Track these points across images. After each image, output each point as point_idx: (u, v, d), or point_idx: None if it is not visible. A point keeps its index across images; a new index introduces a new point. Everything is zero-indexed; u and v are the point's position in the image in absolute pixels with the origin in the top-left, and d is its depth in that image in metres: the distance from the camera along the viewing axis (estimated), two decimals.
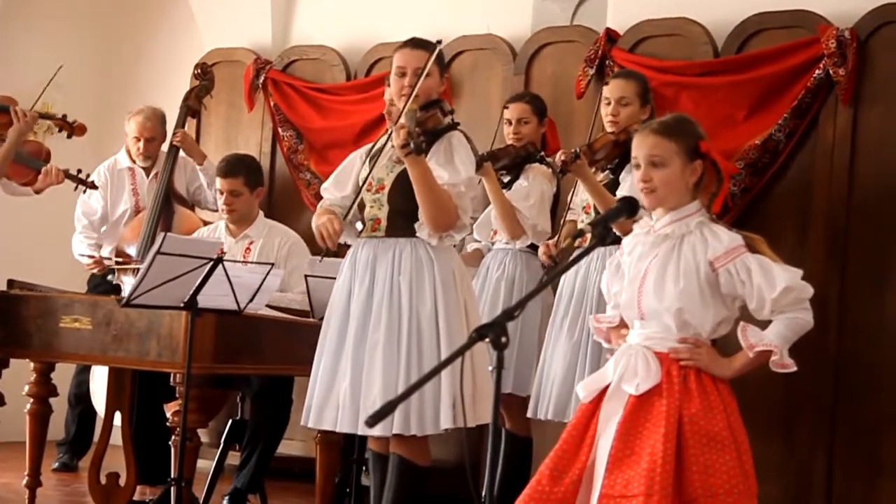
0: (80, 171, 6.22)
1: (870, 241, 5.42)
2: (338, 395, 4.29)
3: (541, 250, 5.30)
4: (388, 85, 4.56)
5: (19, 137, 5.86)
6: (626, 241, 3.69)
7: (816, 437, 5.46)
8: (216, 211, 6.38)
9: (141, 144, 6.65)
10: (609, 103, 5.14)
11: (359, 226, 4.47)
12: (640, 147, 3.57)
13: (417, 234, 4.29)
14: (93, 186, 6.30)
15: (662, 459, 3.32)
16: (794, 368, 3.45)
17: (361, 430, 4.28)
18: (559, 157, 5.05)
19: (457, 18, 6.60)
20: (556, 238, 5.33)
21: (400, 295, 4.27)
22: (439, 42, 4.40)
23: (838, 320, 5.42)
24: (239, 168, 5.96)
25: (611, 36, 6.02)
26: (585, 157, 5.00)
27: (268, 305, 5.23)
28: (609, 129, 5.15)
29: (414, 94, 4.26)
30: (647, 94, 5.19)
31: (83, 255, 6.58)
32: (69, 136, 6.23)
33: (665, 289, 3.49)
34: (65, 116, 6.22)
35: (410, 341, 4.23)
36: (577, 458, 3.46)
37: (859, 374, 5.41)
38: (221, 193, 5.96)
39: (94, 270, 6.51)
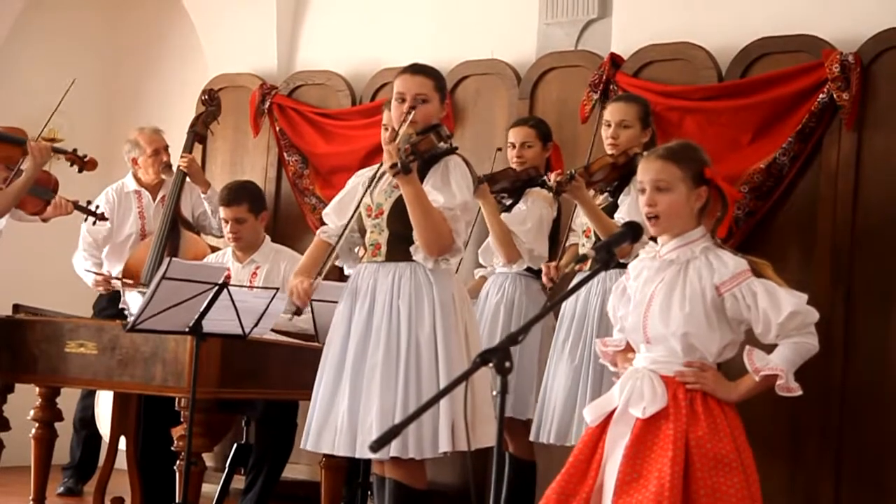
0: (89, 202, 6.23)
1: (874, 264, 5.42)
2: (336, 418, 4.30)
3: (543, 272, 5.30)
4: (389, 110, 4.57)
5: (35, 172, 5.85)
6: (631, 265, 3.71)
7: (823, 460, 5.44)
8: (221, 237, 6.39)
9: (163, 155, 6.69)
10: (609, 126, 5.18)
11: (356, 251, 4.50)
12: (646, 172, 3.59)
13: (414, 258, 4.30)
14: (102, 218, 6.29)
15: (670, 483, 3.32)
16: (800, 392, 3.46)
17: (359, 453, 4.28)
18: (554, 177, 5.07)
19: (461, 43, 6.62)
20: (557, 260, 5.33)
21: (399, 318, 4.28)
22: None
23: (844, 344, 5.41)
24: (242, 195, 5.98)
25: (615, 60, 6.04)
26: (582, 178, 5.02)
27: (276, 330, 5.24)
28: (609, 151, 5.17)
29: (411, 118, 4.29)
30: (648, 118, 5.22)
31: (88, 271, 6.54)
32: (80, 171, 6.23)
33: (671, 313, 3.50)
34: (75, 150, 6.19)
35: (409, 364, 4.23)
36: (585, 481, 3.47)
37: (865, 397, 5.39)
38: (226, 222, 5.97)
39: (100, 289, 6.48)
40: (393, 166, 4.18)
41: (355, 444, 4.24)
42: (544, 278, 5.27)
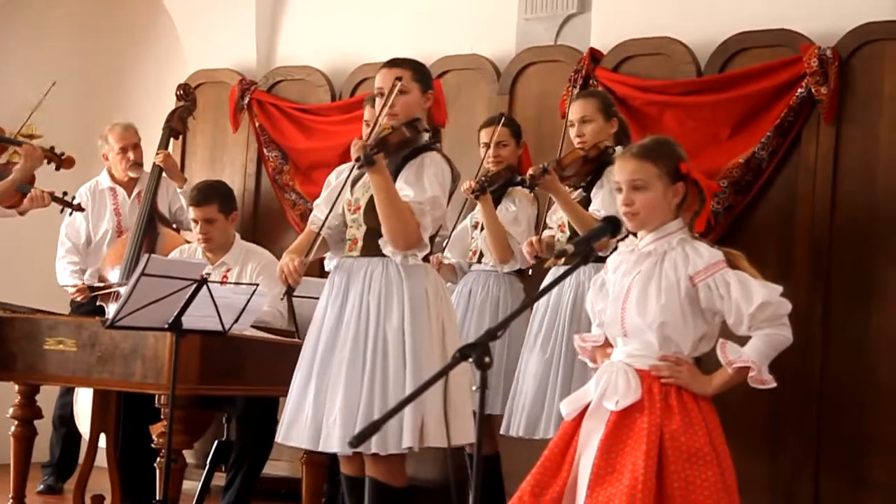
0: (65, 193, 6.20)
1: (853, 258, 5.44)
2: (305, 412, 4.29)
3: (526, 249, 5.29)
4: (371, 106, 4.56)
5: (25, 175, 5.78)
6: (610, 259, 3.72)
7: (801, 454, 5.46)
8: None
9: (130, 154, 6.66)
10: (573, 125, 5.19)
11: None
12: (622, 171, 3.60)
13: (383, 251, 4.29)
14: (79, 209, 6.28)
15: (644, 476, 3.33)
16: (774, 384, 3.47)
17: (322, 446, 4.26)
18: (529, 172, 5.09)
19: (441, 39, 6.62)
20: (539, 235, 5.33)
21: (368, 313, 4.27)
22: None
23: (822, 337, 5.43)
24: (211, 195, 5.89)
25: (594, 55, 6.05)
26: (556, 172, 5.03)
27: (255, 326, 5.22)
28: (579, 150, 5.18)
29: (386, 110, 4.28)
30: (610, 108, 5.23)
31: (67, 286, 6.54)
32: (57, 169, 6.17)
33: (647, 304, 3.51)
34: (52, 148, 6.13)
35: (375, 359, 4.21)
36: (559, 475, 3.47)
37: (844, 391, 5.42)
38: (196, 223, 5.89)
39: (79, 298, 6.47)
40: (357, 159, 4.17)
41: (318, 438, 4.23)
42: (527, 254, 5.25)
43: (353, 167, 4.33)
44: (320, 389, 4.27)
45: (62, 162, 6.14)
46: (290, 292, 4.38)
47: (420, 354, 4.20)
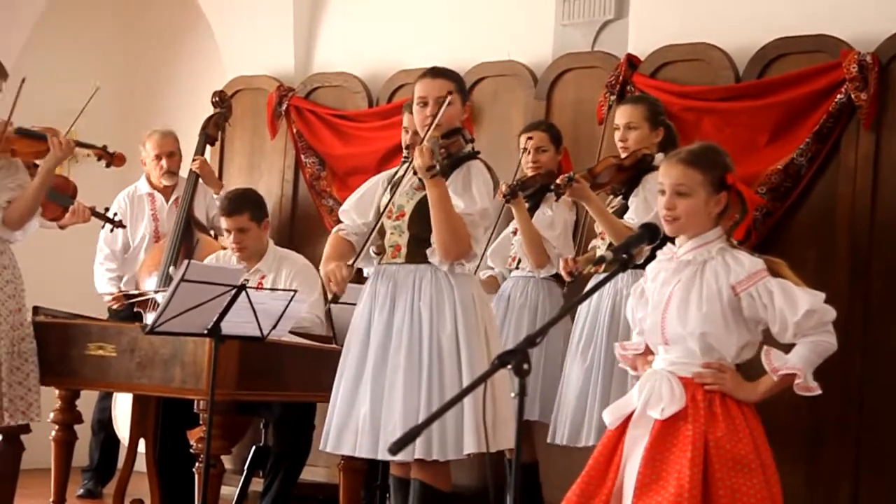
0: (107, 209, 6.22)
1: (893, 263, 5.40)
2: (357, 419, 4.30)
3: (561, 266, 5.31)
4: (409, 113, 4.57)
5: (55, 165, 5.58)
6: (650, 267, 3.71)
7: (842, 460, 5.43)
8: None
9: (164, 162, 6.69)
10: (618, 129, 5.19)
11: (372, 251, 4.49)
12: (667, 175, 3.58)
13: (430, 260, 4.30)
14: (120, 225, 6.28)
15: (690, 484, 3.32)
16: (819, 392, 3.46)
17: (381, 454, 4.28)
18: (556, 181, 5.09)
19: (478, 45, 6.62)
20: (578, 246, 5.35)
21: (420, 320, 4.28)
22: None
23: (862, 343, 5.40)
24: (243, 204, 5.89)
25: (632, 61, 6.04)
26: (585, 180, 5.03)
27: (293, 332, 5.24)
28: (622, 154, 5.18)
29: (436, 122, 4.29)
30: (658, 117, 5.22)
31: (105, 294, 6.57)
32: (108, 166, 6.14)
33: (689, 313, 3.50)
34: (105, 147, 6.07)
35: (431, 366, 4.23)
36: (604, 483, 3.47)
37: (884, 396, 5.38)
38: (229, 232, 5.90)
39: (115, 306, 6.49)
40: (430, 168, 4.17)
41: (377, 446, 4.24)
42: (563, 272, 5.27)
43: (398, 173, 4.35)
44: (376, 398, 4.27)
45: (113, 159, 6.07)
46: (336, 300, 4.38)
47: (474, 360, 4.23)
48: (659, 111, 5.27)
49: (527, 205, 5.61)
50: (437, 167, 4.17)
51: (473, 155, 4.44)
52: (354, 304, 4.59)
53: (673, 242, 3.64)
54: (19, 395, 5.19)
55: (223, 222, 5.93)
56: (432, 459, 4.18)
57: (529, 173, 5.66)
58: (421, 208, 4.31)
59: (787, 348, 3.48)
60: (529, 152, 5.64)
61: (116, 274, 6.67)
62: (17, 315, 5.29)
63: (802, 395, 3.45)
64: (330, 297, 4.39)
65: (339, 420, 4.35)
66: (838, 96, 5.46)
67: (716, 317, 3.48)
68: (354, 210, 4.55)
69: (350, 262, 4.35)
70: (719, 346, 3.49)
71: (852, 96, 5.42)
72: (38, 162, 5.59)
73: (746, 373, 3.55)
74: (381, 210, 4.40)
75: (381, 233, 4.46)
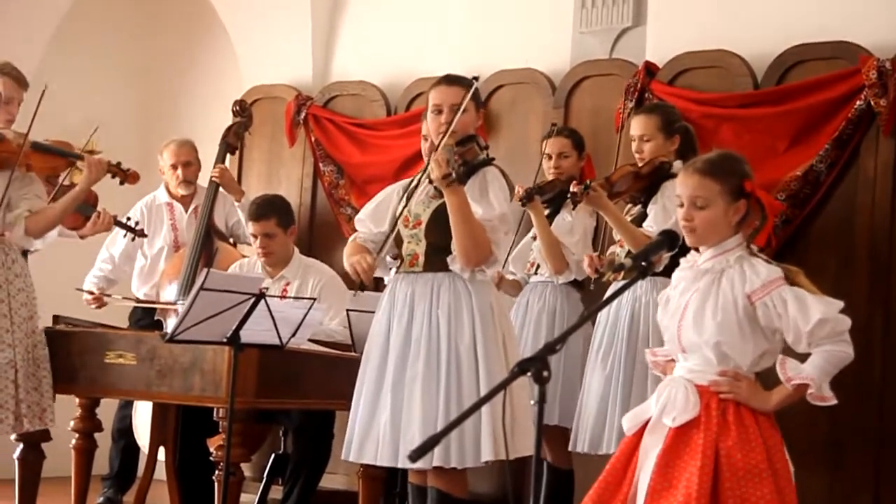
0: (128, 218, 6.24)
1: None
2: (378, 428, 4.31)
3: (586, 263, 5.29)
4: (425, 119, 4.59)
5: (89, 186, 5.59)
6: (674, 275, 3.70)
7: (862, 468, 5.40)
8: None
9: (180, 171, 6.70)
10: (634, 140, 5.20)
11: (389, 261, 4.50)
12: (684, 186, 3.57)
13: (450, 268, 4.31)
14: (142, 234, 6.30)
15: (697, 492, 3.32)
16: (834, 401, 3.44)
17: (402, 463, 4.29)
18: (571, 189, 5.09)
19: (496, 53, 6.63)
20: (598, 252, 5.35)
21: (438, 328, 4.29)
22: (475, 78, 4.45)
23: (882, 351, 5.38)
24: (270, 210, 5.94)
25: (650, 69, 6.03)
26: (603, 188, 5.03)
27: (311, 339, 5.25)
28: (639, 164, 5.18)
29: (451, 129, 4.30)
30: (672, 125, 5.20)
31: (84, 291, 6.51)
32: (122, 183, 6.15)
33: (704, 323, 3.49)
34: (119, 164, 6.05)
35: (450, 374, 4.24)
36: (620, 490, 3.47)
37: None
38: (255, 237, 5.95)
39: (93, 307, 6.48)
40: (446, 176, 4.18)
41: (398, 455, 4.25)
42: (588, 269, 5.25)
43: (415, 182, 4.36)
44: (396, 406, 4.28)
45: (127, 177, 6.10)
46: (363, 289, 4.42)
47: (492, 368, 4.24)
48: (673, 119, 5.25)
49: (547, 210, 5.61)
50: (454, 175, 4.17)
51: (489, 161, 4.45)
52: (373, 312, 4.60)
53: (697, 250, 3.63)
54: (35, 401, 5.21)
55: (250, 227, 5.97)
56: (450, 467, 4.18)
57: (552, 178, 5.66)
58: (437, 217, 4.32)
59: (806, 357, 3.46)
60: (551, 157, 5.64)
61: (105, 276, 6.64)
62: (30, 322, 5.32)
63: (817, 404, 3.43)
64: (357, 286, 4.41)
65: (360, 429, 4.36)
66: (857, 103, 5.44)
67: (731, 326, 3.46)
68: (370, 219, 4.57)
69: (377, 254, 4.39)
70: (734, 354, 3.48)
71: (871, 103, 5.40)
72: (51, 178, 5.62)
73: (765, 382, 3.54)
74: (397, 218, 4.41)
75: (399, 242, 4.48)
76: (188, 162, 6.73)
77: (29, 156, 5.47)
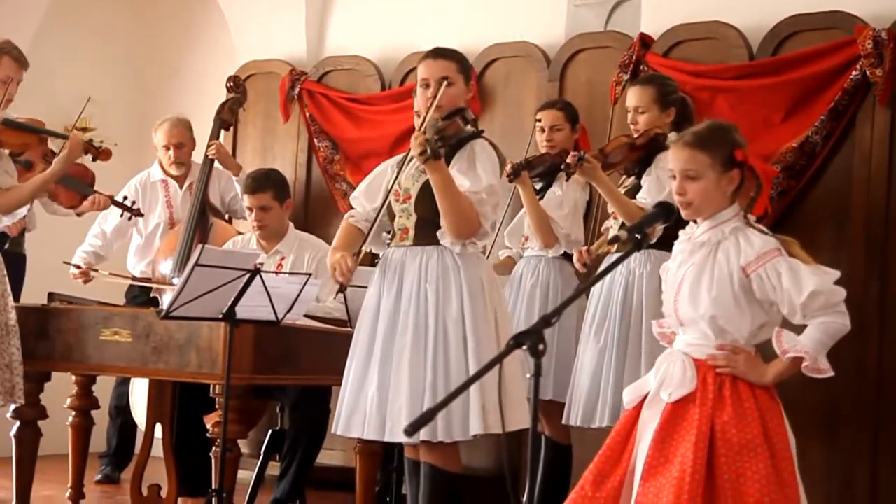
0: (125, 197, 6.23)
1: None
2: (365, 401, 4.30)
3: (575, 257, 5.30)
4: (416, 94, 4.57)
5: (65, 166, 5.42)
6: (674, 247, 3.68)
7: (859, 440, 5.41)
8: None
9: (171, 152, 6.68)
10: (629, 111, 5.17)
11: (383, 235, 4.49)
12: (675, 160, 3.56)
13: (440, 242, 4.30)
14: (139, 214, 6.30)
15: (692, 468, 3.31)
16: (831, 373, 3.42)
17: (388, 436, 4.27)
18: (566, 160, 5.07)
19: (490, 26, 6.60)
20: (588, 244, 5.33)
21: (427, 302, 4.27)
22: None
23: (879, 322, 5.38)
24: (266, 183, 5.95)
25: (645, 41, 6.01)
26: (597, 160, 5.01)
27: (307, 315, 5.25)
28: (634, 136, 5.15)
29: (436, 103, 4.28)
30: (668, 97, 5.15)
31: (67, 263, 6.44)
32: (94, 160, 6.11)
33: (699, 296, 3.48)
34: (91, 141, 6.01)
35: (437, 347, 4.22)
36: (619, 463, 3.47)
37: None
38: (251, 210, 5.94)
39: (79, 280, 6.45)
40: (422, 153, 4.17)
41: (384, 429, 4.24)
42: (577, 264, 5.27)
43: (406, 160, 4.34)
44: (383, 379, 4.27)
45: (99, 154, 6.05)
46: (343, 290, 4.44)
47: (480, 342, 4.22)
48: (669, 91, 5.21)
49: (540, 184, 5.59)
50: (429, 151, 4.14)
51: (477, 134, 4.42)
52: (366, 287, 4.59)
53: (695, 222, 3.61)
54: (6, 378, 5.17)
55: (246, 200, 5.97)
56: (437, 441, 4.17)
57: (543, 152, 5.63)
58: (426, 190, 4.30)
59: (802, 329, 3.45)
60: (544, 130, 5.61)
61: (94, 251, 6.62)
62: (0, 299, 5.28)
63: (813, 376, 3.42)
64: (337, 287, 4.41)
65: (349, 403, 4.36)
66: (853, 73, 5.43)
67: (726, 300, 3.45)
68: (364, 196, 4.56)
69: (355, 251, 4.38)
70: (731, 328, 3.47)
71: (867, 73, 5.39)
72: (14, 153, 5.59)
73: (766, 354, 3.53)
74: (388, 191, 4.40)
75: (392, 216, 4.46)
76: (180, 143, 6.70)
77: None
